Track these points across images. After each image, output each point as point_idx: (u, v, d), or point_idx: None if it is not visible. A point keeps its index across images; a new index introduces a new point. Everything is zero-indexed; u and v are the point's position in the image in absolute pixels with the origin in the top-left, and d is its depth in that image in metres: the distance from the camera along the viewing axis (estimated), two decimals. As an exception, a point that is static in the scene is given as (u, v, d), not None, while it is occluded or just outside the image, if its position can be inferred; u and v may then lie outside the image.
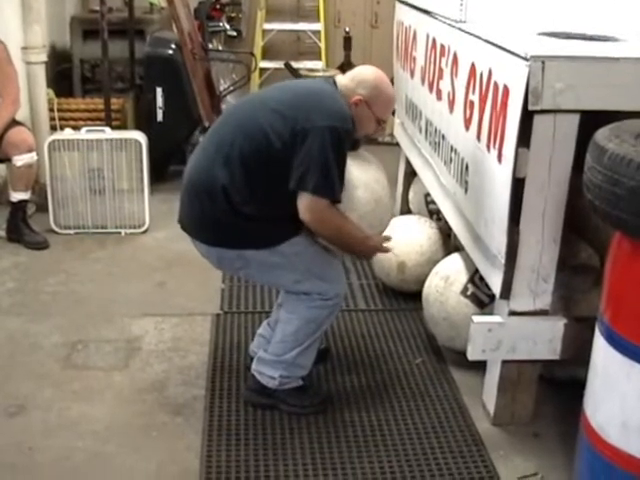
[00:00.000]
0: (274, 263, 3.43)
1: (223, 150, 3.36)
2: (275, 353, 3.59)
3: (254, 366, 3.69)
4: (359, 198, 3.45)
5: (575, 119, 3.02)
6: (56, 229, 5.70)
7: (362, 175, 3.51)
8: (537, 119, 2.99)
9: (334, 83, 3.48)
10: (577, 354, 3.25)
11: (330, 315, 3.57)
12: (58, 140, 5.64)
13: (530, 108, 2.95)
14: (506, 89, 3.14)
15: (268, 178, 3.30)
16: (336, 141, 3.23)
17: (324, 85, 3.49)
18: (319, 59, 8.71)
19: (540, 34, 3.54)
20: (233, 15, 8.63)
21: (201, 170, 3.42)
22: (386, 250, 3.57)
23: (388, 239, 3.55)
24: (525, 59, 2.95)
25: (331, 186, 3.24)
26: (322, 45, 8.71)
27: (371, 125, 3.51)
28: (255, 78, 8.35)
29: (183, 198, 3.52)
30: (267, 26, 8.72)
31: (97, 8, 6.59)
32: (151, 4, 7.11)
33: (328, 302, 3.48)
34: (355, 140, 3.54)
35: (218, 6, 8.30)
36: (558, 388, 3.70)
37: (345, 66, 8.13)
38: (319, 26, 8.73)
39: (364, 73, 3.52)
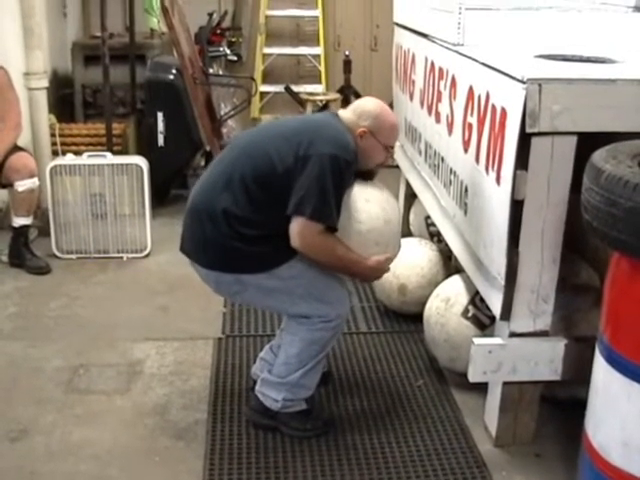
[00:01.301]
0: (271, 287, 3.43)
1: (226, 173, 3.40)
2: (279, 375, 3.60)
3: (258, 387, 3.69)
4: (369, 212, 3.44)
5: (572, 141, 3.03)
6: (58, 254, 5.71)
7: (376, 193, 3.52)
8: (535, 141, 3.01)
9: (340, 120, 3.51)
10: (578, 374, 3.25)
11: (333, 337, 3.57)
12: (60, 165, 5.66)
13: (528, 130, 2.97)
14: (504, 112, 3.16)
15: (269, 202, 3.32)
16: (336, 169, 3.26)
17: (330, 118, 3.54)
18: (319, 82, 8.74)
19: (537, 56, 3.56)
20: (233, 40, 8.66)
21: (203, 193, 3.46)
22: (385, 270, 3.56)
23: (389, 259, 3.54)
24: (522, 82, 2.97)
25: (327, 212, 3.26)
26: (322, 69, 8.75)
27: (380, 153, 3.54)
28: (256, 102, 8.39)
29: (186, 221, 3.54)
30: (267, 50, 8.76)
31: (98, 34, 6.65)
32: (152, 29, 7.15)
33: (329, 324, 3.48)
34: (369, 171, 3.59)
35: (218, 31, 8.34)
36: (559, 408, 3.69)
37: (345, 89, 8.17)
38: (319, 50, 8.77)
39: (365, 105, 3.56)
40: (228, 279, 3.46)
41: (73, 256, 5.72)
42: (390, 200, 3.59)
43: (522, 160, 3.04)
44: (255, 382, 3.75)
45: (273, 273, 3.40)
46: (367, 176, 3.58)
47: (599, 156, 2.66)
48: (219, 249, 3.39)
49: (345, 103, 8.20)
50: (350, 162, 3.33)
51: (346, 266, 3.43)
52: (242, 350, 4.41)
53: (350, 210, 3.39)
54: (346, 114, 3.55)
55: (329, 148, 3.28)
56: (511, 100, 3.08)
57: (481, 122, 3.45)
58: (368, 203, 3.45)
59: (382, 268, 3.51)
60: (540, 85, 2.95)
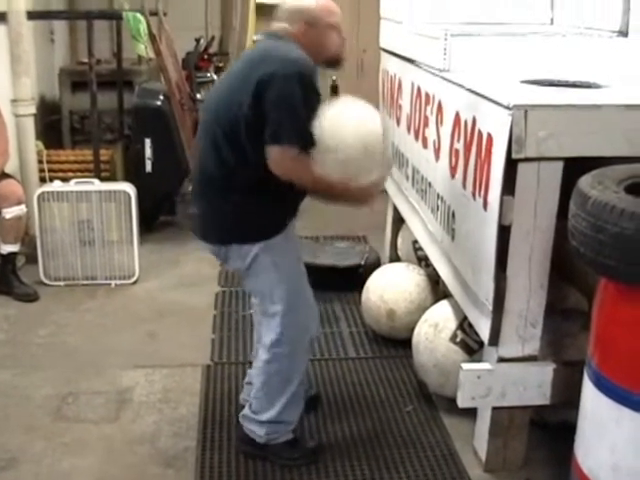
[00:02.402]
0: (282, 251, 3.46)
1: (207, 140, 3.42)
2: (256, 411, 3.60)
3: (241, 420, 3.70)
4: (345, 140, 3.21)
5: (559, 166, 3.05)
6: (46, 281, 5.69)
7: (351, 116, 3.30)
8: (521, 167, 3.02)
9: (278, 36, 3.44)
10: (567, 398, 3.25)
11: (292, 368, 3.55)
12: (47, 192, 5.66)
13: (514, 156, 2.99)
14: (490, 137, 3.18)
15: (252, 144, 3.28)
16: (296, 87, 3.19)
17: (269, 41, 3.46)
18: (307, 107, 8.75)
19: (523, 82, 3.58)
20: (221, 65, 8.66)
21: (198, 166, 3.51)
22: (376, 191, 3.42)
23: (377, 182, 3.38)
24: (508, 108, 2.99)
25: (298, 134, 3.18)
26: (309, 93, 8.76)
27: (330, 36, 3.47)
28: (243, 127, 8.38)
29: (193, 200, 3.58)
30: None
31: (86, 60, 6.66)
32: (139, 55, 7.16)
33: (280, 349, 3.49)
34: (336, 59, 3.54)
35: (206, 56, 8.35)
36: (549, 432, 3.70)
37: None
38: (306, 74, 8.77)
39: (286, 7, 3.49)
40: (241, 251, 3.45)
41: (61, 283, 5.70)
42: (367, 119, 3.36)
43: (509, 186, 3.05)
44: (244, 407, 3.75)
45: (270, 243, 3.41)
46: (335, 64, 3.54)
47: (585, 182, 2.68)
48: (226, 219, 3.41)
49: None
50: (307, 74, 3.25)
51: (332, 188, 3.27)
52: (231, 377, 4.40)
53: (325, 141, 3.23)
54: (279, 27, 3.47)
55: (282, 70, 3.21)
56: (497, 126, 3.10)
57: (468, 148, 3.46)
58: (343, 129, 3.25)
59: (370, 191, 3.38)
60: (526, 111, 2.97)
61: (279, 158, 3.21)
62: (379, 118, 3.42)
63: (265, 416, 3.57)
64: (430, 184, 4.13)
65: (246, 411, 3.66)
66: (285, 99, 3.18)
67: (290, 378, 3.55)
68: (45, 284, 5.67)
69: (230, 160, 3.32)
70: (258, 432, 3.61)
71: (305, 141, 3.18)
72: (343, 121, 3.24)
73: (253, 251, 3.41)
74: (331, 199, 3.43)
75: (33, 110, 6.30)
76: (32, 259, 5.82)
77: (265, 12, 8.63)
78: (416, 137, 4.44)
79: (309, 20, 3.42)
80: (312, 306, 3.65)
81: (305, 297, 3.59)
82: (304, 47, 3.37)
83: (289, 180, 3.26)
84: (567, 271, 3.55)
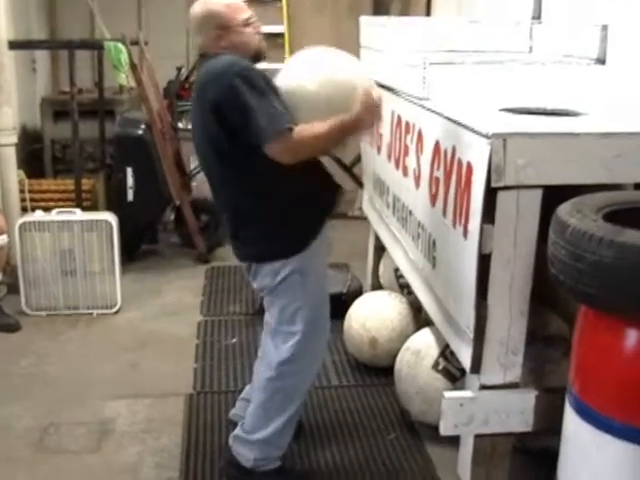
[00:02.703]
0: (308, 270, 3.48)
1: (208, 173, 3.52)
2: (249, 429, 3.59)
3: (231, 442, 3.68)
4: (313, 98, 3.28)
5: (538, 194, 3.06)
6: (27, 311, 5.67)
7: (306, 72, 3.37)
8: (500, 195, 3.03)
9: (207, 56, 3.46)
10: (549, 425, 3.26)
11: (297, 386, 3.58)
12: (29, 222, 5.65)
13: (493, 185, 3.00)
14: (469, 166, 3.19)
15: (242, 158, 3.32)
16: (246, 82, 3.20)
17: (202, 63, 3.48)
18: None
19: (502, 110, 3.59)
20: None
21: (216, 196, 3.59)
22: (375, 104, 3.32)
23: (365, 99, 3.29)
24: (487, 137, 3.00)
25: (278, 120, 3.17)
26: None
27: (243, 32, 3.45)
28: (225, 155, 8.40)
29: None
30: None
31: (67, 89, 6.67)
32: (120, 85, 7.18)
33: (292, 366, 3.52)
34: (258, 52, 3.51)
35: (187, 85, 8.37)
36: (532, 459, 3.70)
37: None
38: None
39: (193, 20, 3.50)
40: (266, 270, 3.49)
41: (43, 313, 5.69)
42: (324, 65, 3.40)
43: (488, 214, 3.06)
44: (235, 425, 3.77)
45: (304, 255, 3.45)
46: (259, 58, 3.50)
47: (564, 210, 2.70)
48: (257, 235, 3.47)
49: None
50: (248, 67, 3.28)
51: (337, 131, 3.24)
52: (214, 406, 4.39)
53: (298, 103, 3.27)
54: (200, 44, 3.51)
55: (221, 80, 3.23)
56: (476, 155, 3.11)
57: (448, 176, 3.48)
58: (307, 88, 3.30)
59: (369, 106, 3.29)
60: (504, 140, 2.98)
61: (280, 151, 3.19)
62: (324, 49, 3.47)
63: (257, 435, 3.56)
64: (411, 212, 4.15)
65: (238, 431, 3.65)
66: (241, 102, 3.18)
67: (293, 397, 3.57)
68: (27, 314, 5.65)
69: (234, 179, 3.37)
70: (247, 455, 3.60)
71: (285, 120, 3.18)
72: (297, 77, 3.34)
73: (286, 268, 3.44)
74: (341, 140, 3.38)
75: (15, 139, 6.31)
76: (14, 289, 5.80)
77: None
78: (397, 165, 4.45)
79: (219, 25, 3.42)
80: (327, 334, 3.68)
81: (324, 324, 3.62)
82: (229, 50, 3.39)
83: (304, 160, 3.25)
84: (548, 297, 3.56)
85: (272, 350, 3.58)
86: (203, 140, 3.41)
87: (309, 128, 3.19)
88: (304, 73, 3.38)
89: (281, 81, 3.38)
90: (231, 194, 3.45)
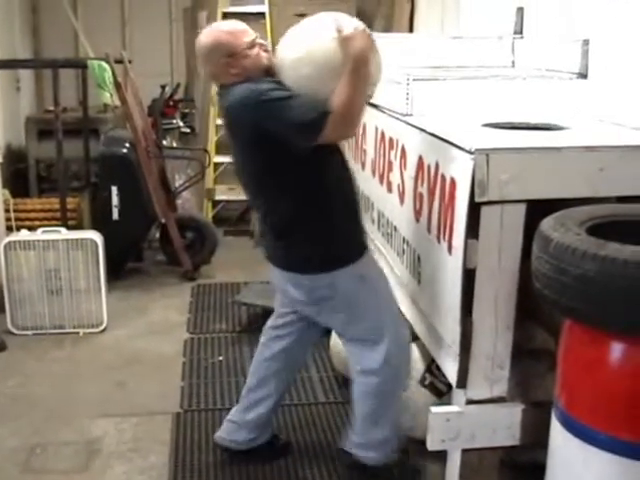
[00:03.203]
0: (355, 290, 3.55)
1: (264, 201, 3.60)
2: (363, 432, 3.77)
3: (347, 447, 3.85)
4: (306, 72, 3.34)
5: (522, 209, 3.07)
6: (13, 330, 5.66)
7: (291, 53, 3.41)
8: (484, 210, 3.04)
9: (224, 87, 3.52)
10: (536, 438, 3.26)
11: (397, 383, 3.73)
12: (14, 241, 5.64)
13: (477, 200, 3.01)
14: (453, 182, 3.20)
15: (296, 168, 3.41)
16: (273, 93, 3.28)
17: (225, 95, 3.50)
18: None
19: (484, 125, 3.61)
20: (186, 111, 8.70)
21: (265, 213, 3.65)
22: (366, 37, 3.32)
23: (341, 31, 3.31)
24: (470, 152, 3.01)
25: (315, 109, 3.23)
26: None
27: (249, 53, 3.47)
28: (210, 173, 8.41)
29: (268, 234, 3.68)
30: (220, 121, 8.77)
31: (52, 108, 6.67)
32: (105, 103, 7.19)
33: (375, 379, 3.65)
34: (268, 68, 3.50)
35: (171, 103, 8.39)
36: (519, 472, 3.69)
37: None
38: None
39: (200, 51, 3.55)
40: (323, 282, 3.52)
41: (29, 332, 5.67)
42: (301, 40, 3.43)
43: (472, 229, 3.07)
44: (225, 449, 3.92)
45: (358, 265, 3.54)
46: (272, 73, 3.48)
47: (547, 224, 2.71)
48: (301, 248, 3.53)
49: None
50: (263, 87, 3.33)
51: (354, 80, 3.24)
52: (201, 424, 4.38)
53: (310, 79, 3.34)
54: (208, 71, 3.59)
55: (249, 102, 3.31)
56: (460, 170, 3.13)
57: (431, 192, 3.49)
58: (298, 63, 3.36)
59: (360, 43, 3.27)
60: (487, 155, 2.99)
61: (335, 129, 3.25)
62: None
63: (378, 436, 3.74)
64: (395, 228, 4.16)
65: (357, 439, 3.79)
66: (276, 114, 3.26)
67: (395, 393, 3.75)
68: (13, 333, 5.64)
69: (292, 192, 3.46)
70: (375, 457, 3.76)
71: (319, 106, 3.23)
72: (295, 61, 3.36)
73: (346, 276, 3.52)
74: (364, 84, 3.35)
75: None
76: (-1, 309, 5.80)
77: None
78: (381, 181, 4.46)
79: (227, 53, 3.45)
80: (405, 331, 3.79)
81: (398, 324, 3.75)
82: (242, 76, 3.43)
83: (345, 135, 3.51)
84: (533, 311, 3.57)
85: (360, 358, 3.68)
86: (253, 168, 3.50)
87: (336, 98, 3.23)
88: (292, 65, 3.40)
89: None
90: (289, 208, 3.48)
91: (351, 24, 3.36)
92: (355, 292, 3.55)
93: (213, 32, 3.52)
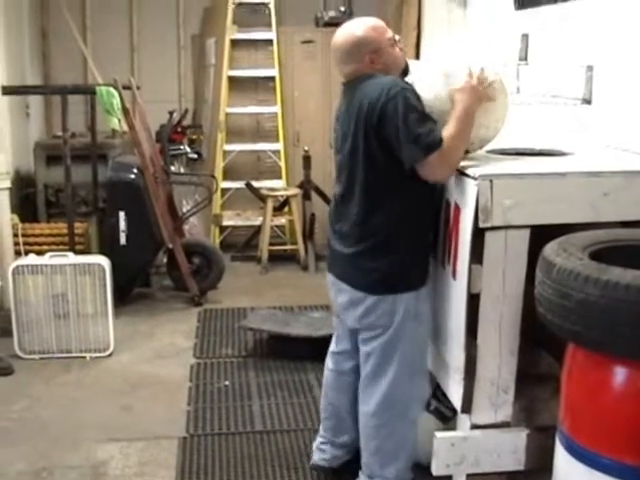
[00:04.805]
0: (412, 329, 3.52)
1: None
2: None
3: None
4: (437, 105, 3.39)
5: (526, 234, 3.09)
6: (21, 354, 5.67)
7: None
8: (488, 236, 3.07)
9: (352, 81, 3.54)
10: (541, 463, 3.26)
11: (403, 426, 3.70)
12: (22, 265, 5.66)
13: (481, 225, 3.03)
14: (457, 207, 3.23)
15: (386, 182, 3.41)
16: (407, 100, 3.26)
17: (361, 82, 3.48)
18: (279, 178, 8.79)
19: (489, 152, 3.64)
20: (194, 137, 8.74)
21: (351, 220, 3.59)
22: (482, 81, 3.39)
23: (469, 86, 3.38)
24: (474, 178, 3.04)
25: (432, 136, 3.21)
26: (282, 164, 8.83)
27: (392, 51, 3.52)
28: (217, 199, 8.45)
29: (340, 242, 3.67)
30: (228, 147, 8.83)
31: (60, 134, 6.71)
32: (113, 129, 7.23)
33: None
34: (405, 69, 3.58)
35: (179, 129, 8.42)
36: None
37: (305, 184, 8.25)
38: (279, 146, 8.85)
39: (340, 50, 3.55)
40: (384, 305, 3.49)
41: (36, 356, 5.68)
42: (436, 74, 3.48)
43: (477, 254, 3.09)
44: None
45: (420, 294, 3.49)
46: (406, 73, 3.56)
47: (550, 249, 2.73)
48: (374, 266, 3.48)
49: (305, 198, 8.28)
50: (405, 87, 3.35)
51: (463, 120, 3.30)
52: (207, 449, 4.38)
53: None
54: (347, 70, 3.55)
55: (390, 92, 3.28)
56: (464, 196, 3.15)
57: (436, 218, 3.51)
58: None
59: (475, 89, 3.36)
60: (491, 181, 3.02)
61: (438, 162, 3.23)
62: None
63: (392, 471, 3.70)
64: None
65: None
66: (400, 119, 3.24)
67: (406, 437, 3.72)
68: (20, 357, 5.65)
69: (390, 199, 3.42)
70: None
71: (438, 134, 3.23)
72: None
73: (402, 306, 3.49)
74: (471, 127, 3.36)
75: (8, 184, 6.35)
76: (7, 332, 5.79)
77: (238, 85, 8.79)
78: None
79: (372, 49, 3.47)
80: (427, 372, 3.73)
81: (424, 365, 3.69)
82: (383, 72, 3.46)
83: (449, 174, 3.31)
84: (539, 335, 3.58)
85: (368, 398, 3.69)
86: (370, 167, 3.44)
87: (446, 133, 3.24)
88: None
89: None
90: (377, 214, 3.44)
91: (478, 71, 3.40)
92: (405, 328, 3.52)
93: (354, 30, 3.52)
